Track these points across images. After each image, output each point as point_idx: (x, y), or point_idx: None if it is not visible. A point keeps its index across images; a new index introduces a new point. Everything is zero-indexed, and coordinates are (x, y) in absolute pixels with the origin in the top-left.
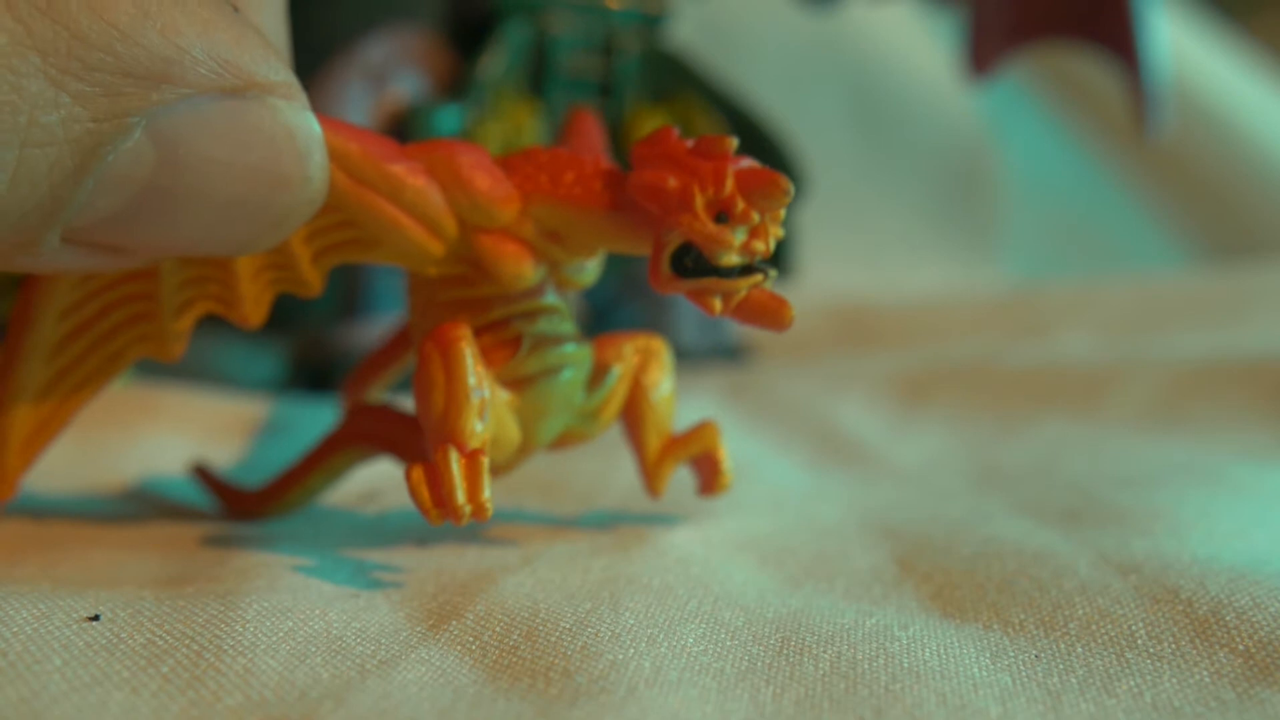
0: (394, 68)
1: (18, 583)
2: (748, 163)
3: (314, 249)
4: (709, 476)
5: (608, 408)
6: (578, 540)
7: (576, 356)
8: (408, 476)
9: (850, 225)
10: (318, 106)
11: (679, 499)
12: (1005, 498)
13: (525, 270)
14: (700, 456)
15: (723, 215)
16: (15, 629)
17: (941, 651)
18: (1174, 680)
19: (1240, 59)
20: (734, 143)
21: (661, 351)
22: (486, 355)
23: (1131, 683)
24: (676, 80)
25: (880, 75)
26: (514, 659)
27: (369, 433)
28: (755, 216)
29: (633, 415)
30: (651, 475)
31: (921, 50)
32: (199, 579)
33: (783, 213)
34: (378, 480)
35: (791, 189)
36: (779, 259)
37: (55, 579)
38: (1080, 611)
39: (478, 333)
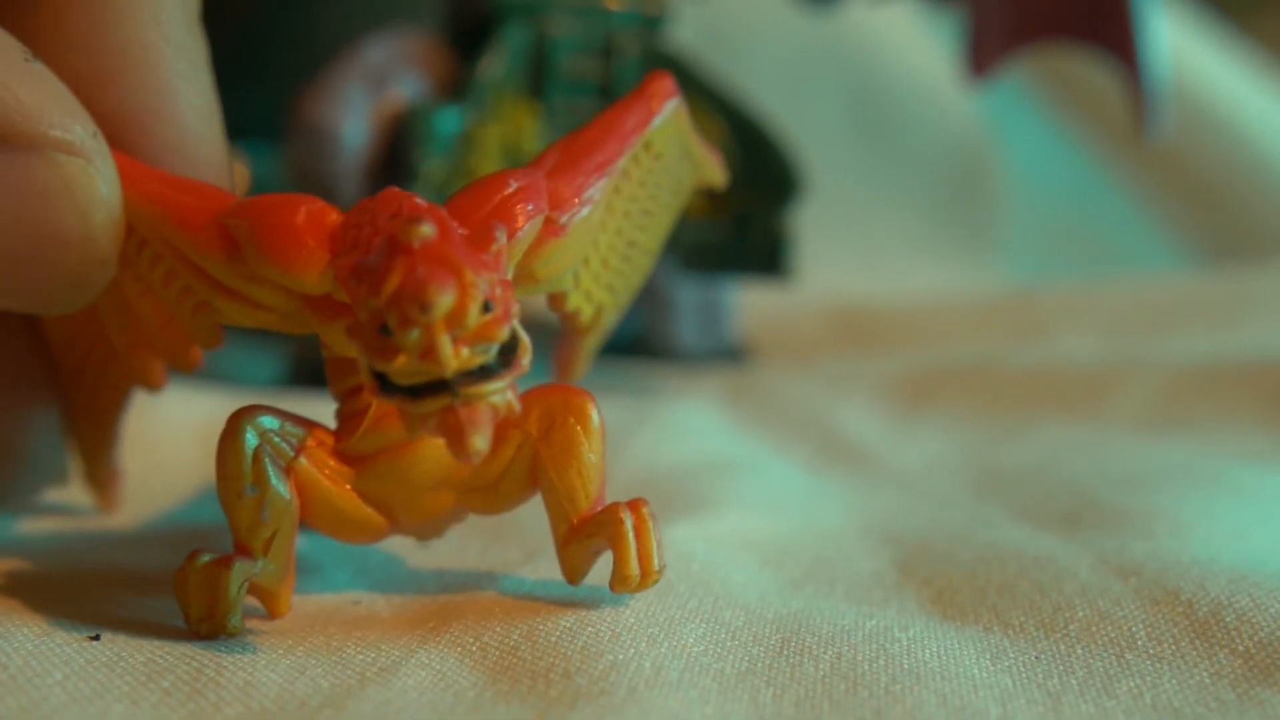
0: (394, 70)
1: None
2: (439, 246)
3: (189, 306)
4: (613, 570)
5: (505, 482)
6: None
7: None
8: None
9: (850, 227)
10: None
11: (679, 496)
12: (1005, 501)
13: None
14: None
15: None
16: (16, 644)
17: (942, 653)
18: (1174, 681)
19: (1240, 60)
20: (422, 230)
21: (581, 413)
22: (345, 424)
23: (1131, 684)
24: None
25: (880, 77)
26: (514, 660)
27: None
28: (412, 332)
29: (541, 489)
30: (560, 561)
31: (921, 52)
32: None
33: (473, 322)
34: None
35: (440, 301)
36: (776, 263)
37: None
38: (1080, 613)
39: (344, 397)
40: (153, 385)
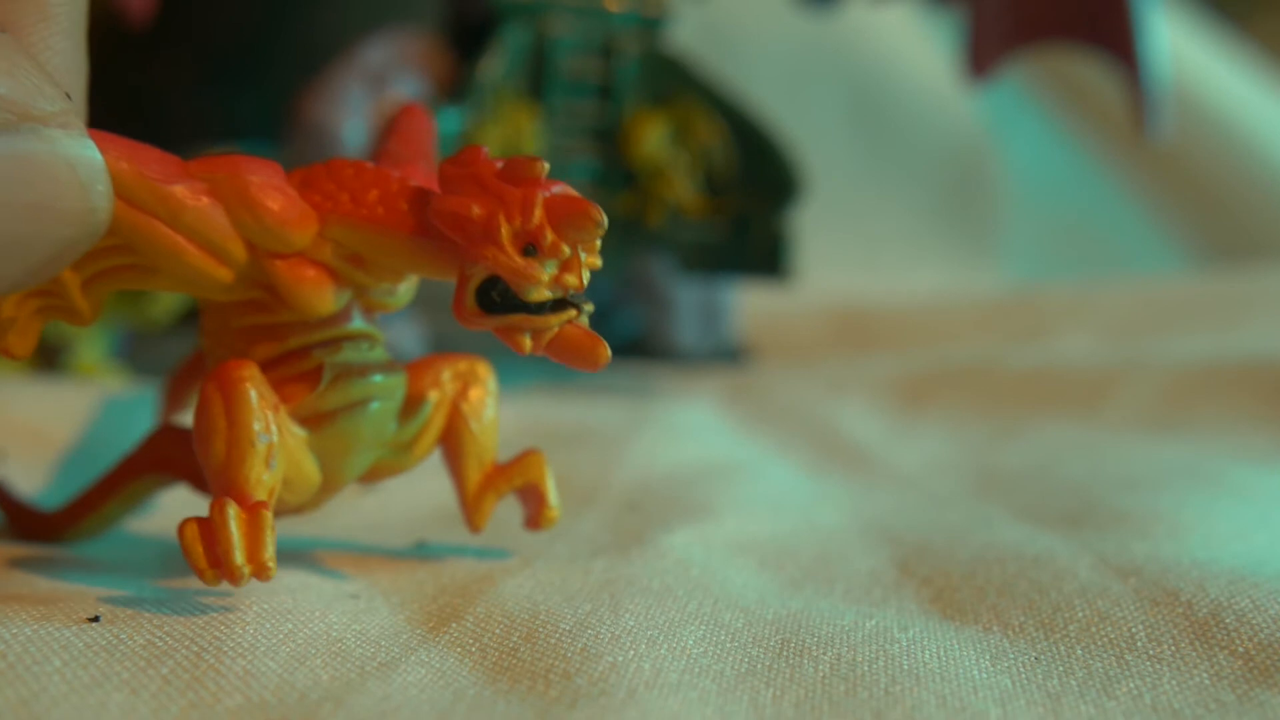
0: (394, 70)
1: (16, 583)
2: (560, 188)
3: (85, 276)
4: (534, 510)
5: (422, 439)
6: (577, 541)
7: (385, 387)
8: (180, 533)
9: (850, 227)
10: (318, 108)
11: (679, 497)
12: (1005, 501)
13: (324, 297)
14: (525, 488)
15: (531, 247)
16: (15, 630)
17: (941, 654)
18: (1174, 682)
19: (1240, 60)
20: (545, 166)
21: (485, 376)
22: (283, 388)
23: (1131, 685)
24: (676, 83)
25: (880, 77)
26: (514, 661)
27: (167, 460)
28: (566, 249)
29: (451, 445)
30: (471, 509)
31: (921, 52)
32: (199, 580)
33: (598, 243)
34: None
35: (604, 220)
36: (776, 263)
37: (55, 579)
38: (1080, 614)
39: (275, 362)
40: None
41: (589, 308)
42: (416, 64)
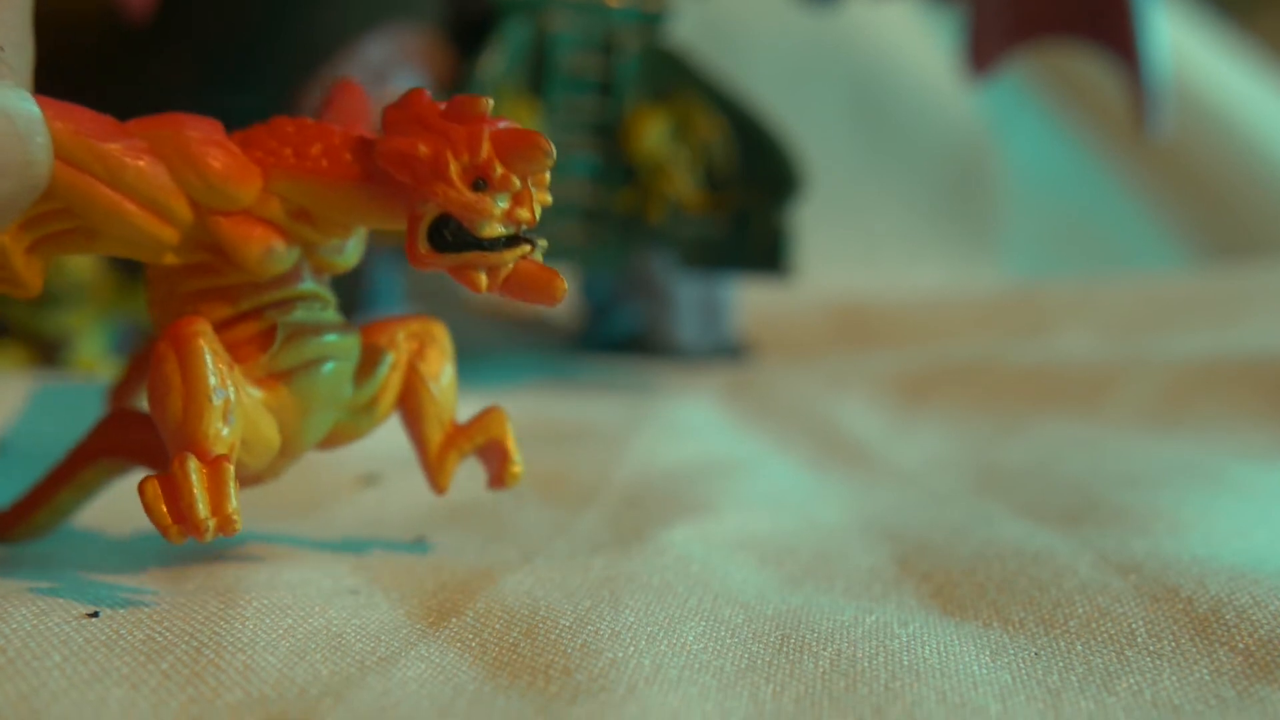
0: (394, 67)
1: (15, 579)
2: (506, 124)
3: (26, 243)
4: (498, 467)
5: (381, 400)
6: (577, 538)
7: (340, 346)
8: (141, 491)
9: (850, 224)
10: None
11: (679, 494)
12: (1005, 498)
13: (273, 254)
14: (486, 446)
15: (480, 182)
16: (15, 625)
17: (941, 649)
18: (1174, 678)
19: (1240, 59)
20: (489, 103)
21: (441, 336)
22: (236, 350)
23: (1131, 680)
24: (676, 79)
25: (880, 75)
26: (514, 656)
27: (119, 443)
28: (516, 182)
29: (411, 406)
30: (434, 470)
31: (921, 49)
32: (199, 575)
33: (547, 176)
34: (378, 461)
35: (552, 150)
36: (776, 260)
37: (54, 574)
38: (1080, 610)
39: (226, 325)
40: None
41: (543, 243)
42: (417, 60)
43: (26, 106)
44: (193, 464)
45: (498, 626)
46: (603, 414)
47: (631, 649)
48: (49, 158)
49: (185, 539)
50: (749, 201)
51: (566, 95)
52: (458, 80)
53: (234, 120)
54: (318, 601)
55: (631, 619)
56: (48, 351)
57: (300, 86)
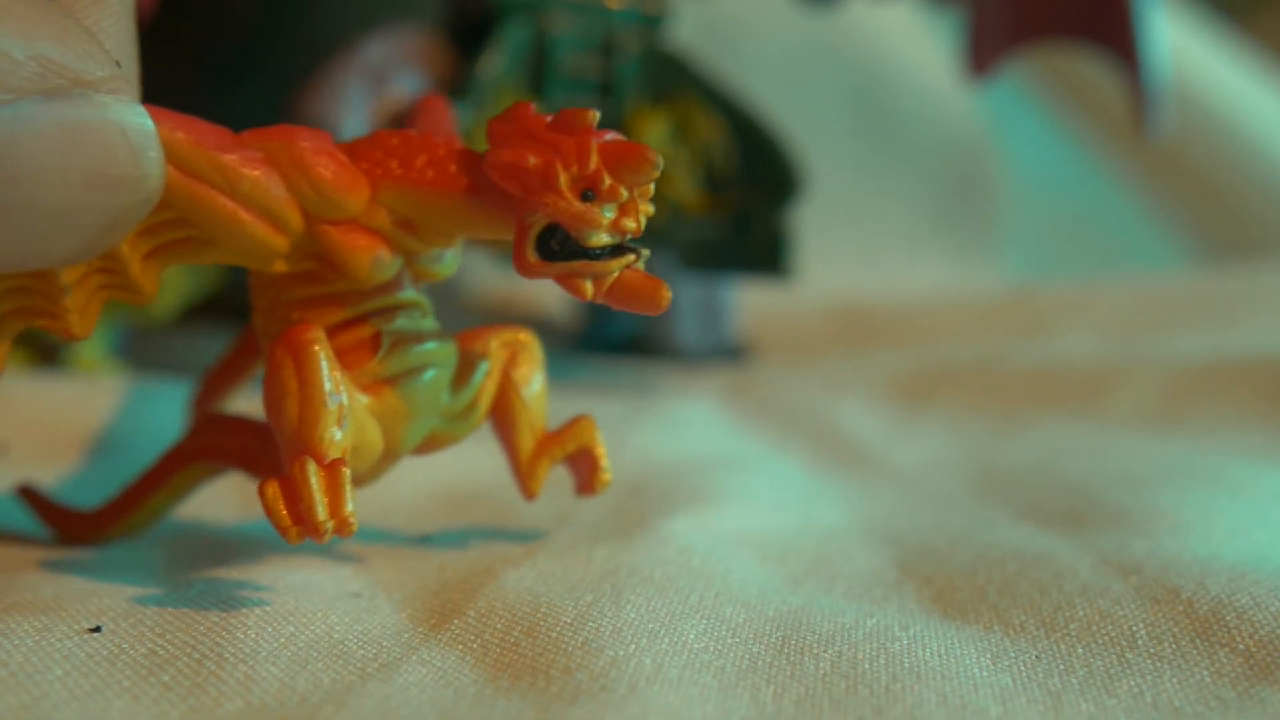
0: (394, 67)
1: (19, 591)
2: (612, 136)
3: (143, 251)
4: (587, 475)
5: (476, 407)
6: (579, 527)
7: (440, 354)
8: (261, 493)
9: (850, 225)
10: (318, 105)
11: (679, 494)
12: (1006, 500)
13: (380, 263)
14: (577, 454)
15: (589, 193)
16: (17, 641)
17: (942, 652)
18: (1175, 680)
19: (1240, 59)
20: (595, 115)
21: (531, 344)
22: (342, 357)
23: (1132, 683)
24: (676, 80)
25: (880, 75)
26: (515, 656)
27: (217, 447)
28: (623, 192)
29: (503, 413)
30: (526, 476)
31: (921, 50)
32: (201, 581)
33: (652, 188)
34: None
35: (660, 161)
36: (777, 261)
37: (56, 586)
38: (1081, 612)
39: (331, 333)
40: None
41: (645, 252)
42: (417, 61)
43: (140, 121)
44: (312, 467)
45: (499, 626)
46: (604, 411)
47: (633, 647)
48: (161, 171)
49: (303, 539)
50: (749, 203)
51: (566, 96)
52: (458, 80)
53: (234, 120)
54: (320, 607)
55: (633, 615)
56: (48, 352)
57: (300, 86)
